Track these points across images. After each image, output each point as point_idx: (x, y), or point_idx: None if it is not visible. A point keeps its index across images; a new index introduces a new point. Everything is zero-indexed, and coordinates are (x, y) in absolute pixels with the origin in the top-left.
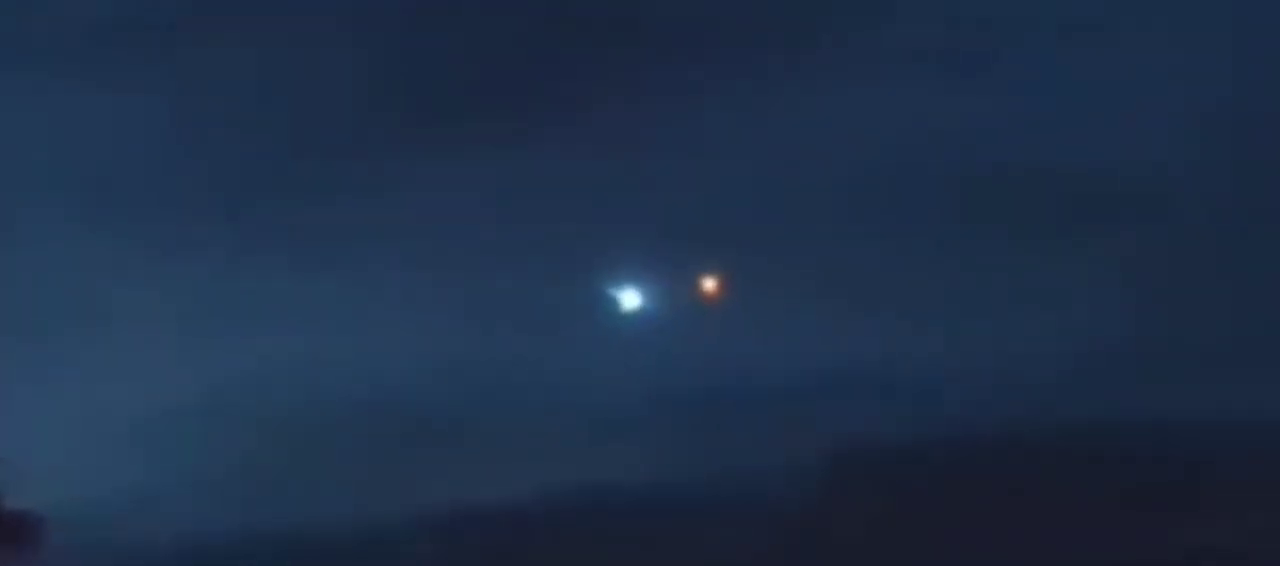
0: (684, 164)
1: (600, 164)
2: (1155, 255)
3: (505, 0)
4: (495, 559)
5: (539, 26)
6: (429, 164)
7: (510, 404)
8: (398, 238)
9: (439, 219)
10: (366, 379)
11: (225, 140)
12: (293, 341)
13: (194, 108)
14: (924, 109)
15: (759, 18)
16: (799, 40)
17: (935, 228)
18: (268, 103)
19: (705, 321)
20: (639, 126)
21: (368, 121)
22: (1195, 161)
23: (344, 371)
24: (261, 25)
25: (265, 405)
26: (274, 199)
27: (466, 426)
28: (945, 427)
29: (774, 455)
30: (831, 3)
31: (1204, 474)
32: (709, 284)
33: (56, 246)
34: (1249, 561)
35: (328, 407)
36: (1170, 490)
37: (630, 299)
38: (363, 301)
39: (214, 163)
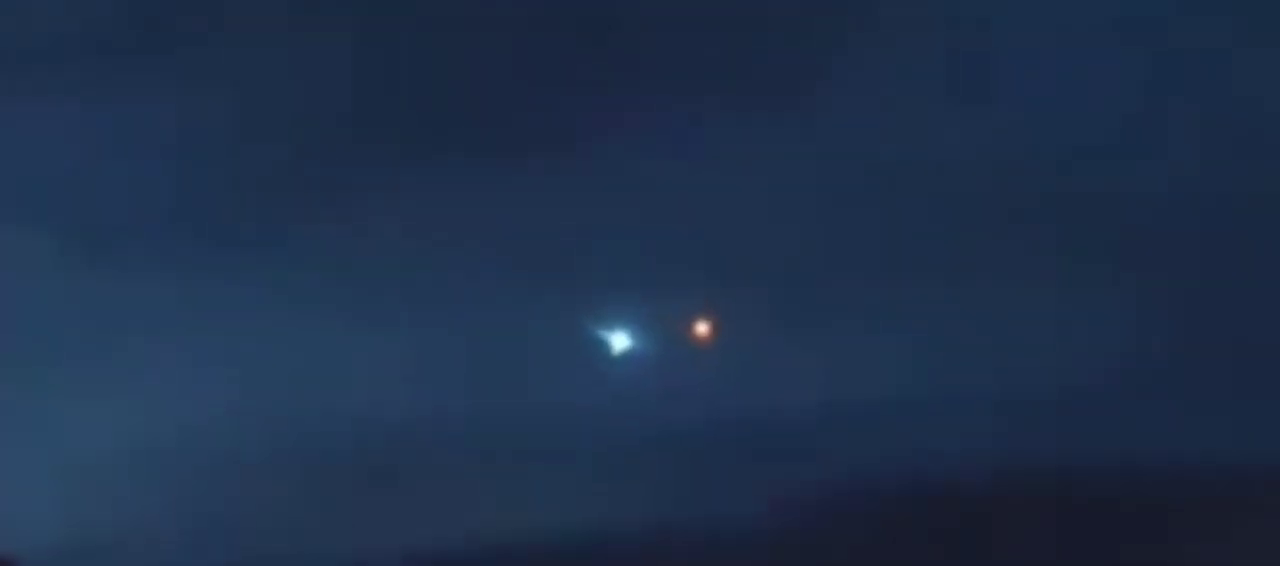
0: (678, 198)
1: (591, 198)
2: (1169, 283)
3: (495, 32)
4: None
5: (531, 58)
6: (415, 198)
7: (498, 445)
8: (383, 273)
9: (425, 254)
10: (350, 420)
11: (205, 168)
12: (271, 381)
13: (171, 133)
14: (924, 135)
15: (755, 52)
16: (792, 76)
17: (939, 257)
18: (250, 132)
19: (702, 359)
20: (631, 161)
21: (353, 153)
22: (1207, 178)
23: (326, 411)
24: (238, 50)
25: (245, 446)
26: (253, 235)
27: (453, 467)
28: (953, 465)
29: (772, 495)
30: (822, 35)
31: (1223, 511)
32: (702, 327)
33: (27, 278)
34: None
35: (308, 449)
36: (1183, 531)
37: (621, 340)
38: (346, 340)
39: (192, 193)
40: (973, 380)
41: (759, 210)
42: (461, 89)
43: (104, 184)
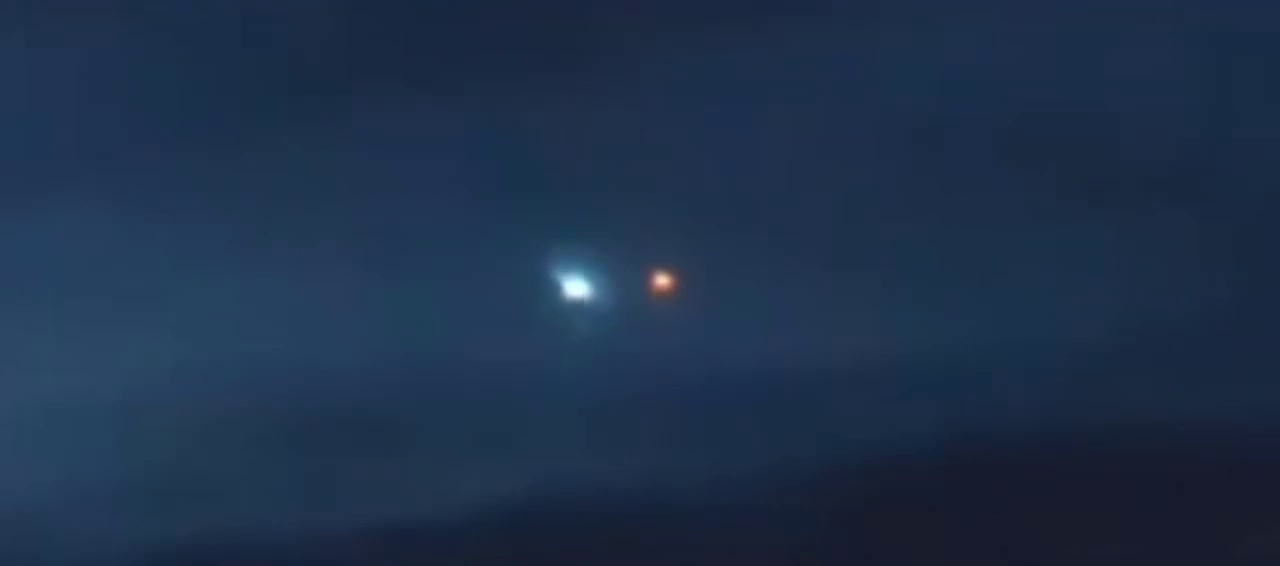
0: (652, 134)
1: (560, 128)
2: (1207, 229)
3: None
4: None
5: None
6: (367, 138)
7: (457, 403)
8: (334, 223)
9: (377, 200)
10: (298, 376)
11: (160, 101)
12: (218, 333)
13: (123, 67)
14: (945, 65)
15: None
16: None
17: (948, 203)
18: (202, 63)
19: (677, 311)
20: (605, 84)
21: (301, 84)
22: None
23: (273, 367)
24: None
25: (186, 404)
26: (204, 172)
27: (409, 429)
28: (955, 426)
29: (761, 458)
30: None
31: (1256, 475)
32: (662, 280)
33: None
34: None
35: (253, 406)
36: (1217, 493)
37: (578, 287)
38: (296, 292)
39: (142, 127)
40: (987, 332)
41: (750, 147)
42: (406, 13)
43: (35, 125)
